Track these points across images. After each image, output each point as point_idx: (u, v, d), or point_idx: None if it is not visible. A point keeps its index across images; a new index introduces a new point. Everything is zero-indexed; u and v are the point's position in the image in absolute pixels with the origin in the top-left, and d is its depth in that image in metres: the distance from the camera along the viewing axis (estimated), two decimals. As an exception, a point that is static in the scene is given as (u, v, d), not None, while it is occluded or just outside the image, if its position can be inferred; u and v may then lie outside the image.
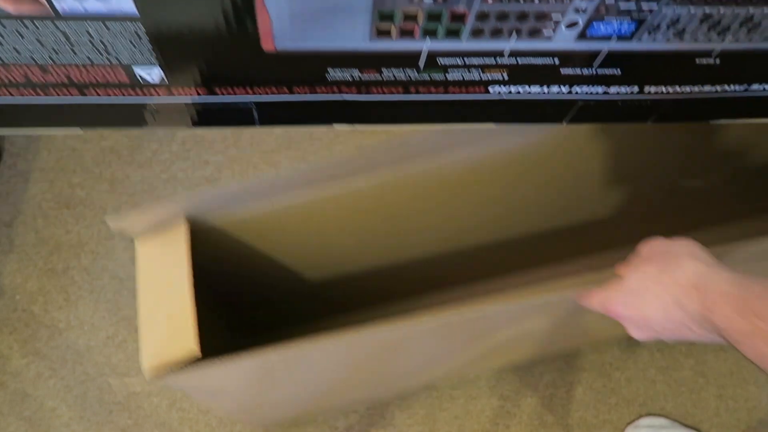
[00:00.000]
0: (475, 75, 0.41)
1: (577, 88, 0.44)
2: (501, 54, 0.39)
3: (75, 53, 0.36)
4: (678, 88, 0.45)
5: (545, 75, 0.41)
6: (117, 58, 0.36)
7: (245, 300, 0.60)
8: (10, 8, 0.32)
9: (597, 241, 0.70)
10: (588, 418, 0.84)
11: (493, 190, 0.55)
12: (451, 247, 0.64)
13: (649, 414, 0.82)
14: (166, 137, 0.88)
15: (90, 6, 0.32)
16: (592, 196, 0.63)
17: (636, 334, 0.40)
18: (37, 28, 0.34)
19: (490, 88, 0.42)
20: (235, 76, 0.39)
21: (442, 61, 0.39)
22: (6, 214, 0.82)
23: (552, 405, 0.85)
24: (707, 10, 0.37)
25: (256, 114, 0.42)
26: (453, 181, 0.51)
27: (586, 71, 0.41)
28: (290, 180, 0.46)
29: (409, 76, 0.40)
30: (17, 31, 0.33)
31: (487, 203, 0.58)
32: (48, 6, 0.32)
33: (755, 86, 0.45)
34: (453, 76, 0.40)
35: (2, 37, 0.34)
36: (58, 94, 0.40)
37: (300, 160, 0.86)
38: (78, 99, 0.41)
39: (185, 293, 0.41)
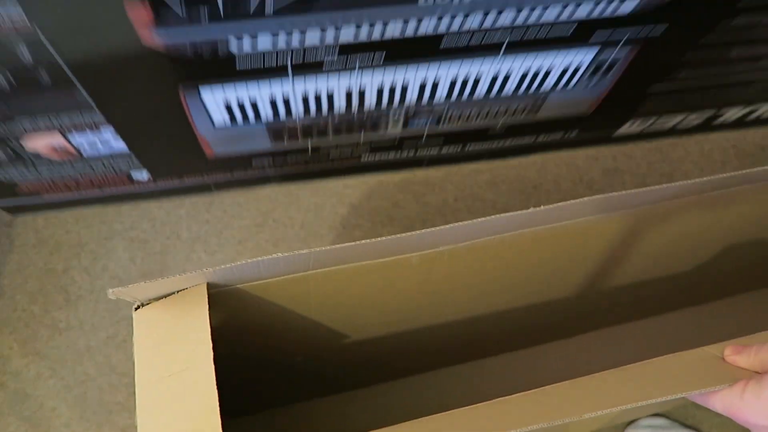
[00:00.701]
0: (347, 152, 0.64)
1: (419, 152, 0.67)
2: (359, 142, 0.61)
3: (94, 171, 0.60)
4: (488, 144, 0.68)
5: (395, 147, 0.65)
6: (120, 170, 0.60)
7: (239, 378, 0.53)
8: (55, 157, 0.56)
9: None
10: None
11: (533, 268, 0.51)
12: (483, 325, 0.60)
13: (648, 414, 0.80)
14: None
15: (102, 150, 0.55)
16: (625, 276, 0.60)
17: None
18: (72, 163, 0.57)
19: (361, 158, 0.66)
20: (195, 169, 0.62)
21: (324, 150, 0.62)
22: (6, 214, 0.81)
23: (552, 404, 0.83)
24: (481, 109, 0.59)
25: (213, 187, 0.68)
26: (487, 258, 0.48)
27: (419, 143, 0.64)
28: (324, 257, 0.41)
29: (306, 158, 0.63)
30: (61, 165, 0.57)
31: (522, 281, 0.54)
32: (77, 153, 0.55)
33: (542, 136, 0.68)
34: (333, 155, 0.63)
35: (53, 166, 0.57)
36: (86, 189, 0.66)
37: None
38: (98, 192, 0.67)
39: (207, 371, 0.34)
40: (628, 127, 0.67)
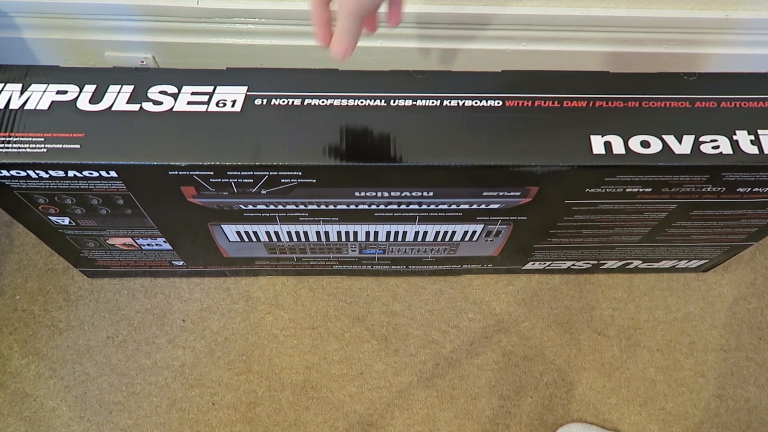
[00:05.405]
0: (322, 261, 0.86)
1: (374, 267, 0.89)
2: (329, 258, 0.85)
3: (147, 256, 0.82)
4: (424, 267, 0.90)
5: (356, 263, 0.87)
6: (164, 258, 0.83)
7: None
8: (125, 248, 0.79)
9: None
10: (588, 418, 0.82)
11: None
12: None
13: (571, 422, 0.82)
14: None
15: (155, 246, 0.78)
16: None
17: None
18: (135, 252, 0.81)
19: (333, 267, 0.88)
20: (215, 262, 0.85)
21: (307, 260, 0.86)
22: (6, 214, 0.73)
23: (552, 405, 0.83)
24: (412, 247, 0.82)
25: (227, 273, 0.91)
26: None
27: (374, 260, 0.86)
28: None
29: (292, 263, 0.87)
30: (128, 253, 0.81)
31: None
32: (139, 247, 0.79)
33: (465, 265, 0.88)
34: (315, 261, 0.86)
35: (122, 253, 0.81)
36: (140, 268, 0.86)
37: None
38: (147, 269, 0.88)
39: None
40: (531, 266, 0.89)
